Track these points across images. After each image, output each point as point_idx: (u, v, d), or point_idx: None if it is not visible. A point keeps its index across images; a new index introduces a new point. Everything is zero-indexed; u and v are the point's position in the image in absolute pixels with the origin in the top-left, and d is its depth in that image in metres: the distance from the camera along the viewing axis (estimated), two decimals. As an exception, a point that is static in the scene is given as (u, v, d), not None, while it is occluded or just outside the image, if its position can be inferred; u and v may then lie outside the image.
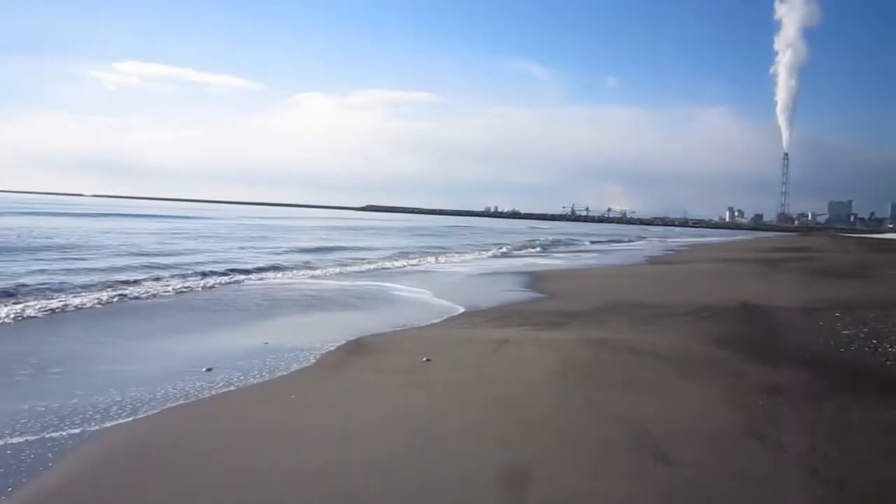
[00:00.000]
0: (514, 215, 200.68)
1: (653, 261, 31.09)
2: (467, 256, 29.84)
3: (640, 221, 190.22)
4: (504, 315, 12.05)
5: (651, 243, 55.27)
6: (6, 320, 10.15)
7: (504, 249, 35.60)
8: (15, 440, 5.17)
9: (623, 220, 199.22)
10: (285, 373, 7.47)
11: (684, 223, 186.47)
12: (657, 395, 6.66)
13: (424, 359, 7.99)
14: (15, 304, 11.40)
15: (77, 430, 5.42)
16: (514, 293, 15.75)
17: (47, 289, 13.41)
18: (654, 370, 7.69)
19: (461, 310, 12.63)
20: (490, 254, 32.15)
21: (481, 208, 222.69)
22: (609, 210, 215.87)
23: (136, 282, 15.15)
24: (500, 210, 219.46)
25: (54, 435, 5.30)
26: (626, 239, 63.30)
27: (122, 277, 15.77)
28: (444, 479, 4.59)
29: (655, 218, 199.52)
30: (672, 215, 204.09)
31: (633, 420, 5.84)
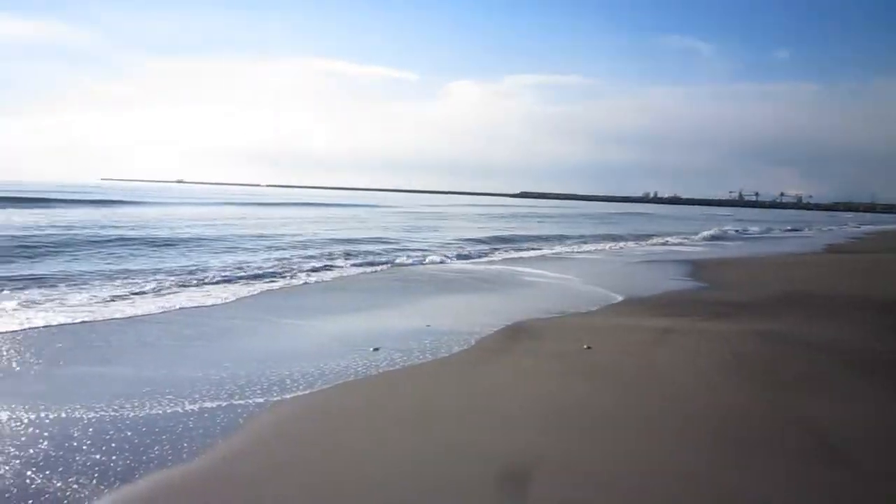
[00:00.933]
0: (675, 200, 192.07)
1: (832, 249, 28.56)
2: (649, 243, 29.31)
3: (818, 207, 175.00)
4: (666, 304, 11.67)
5: (832, 230, 50.71)
6: (228, 299, 11.30)
7: (677, 238, 34.17)
8: (210, 404, 5.78)
9: (798, 205, 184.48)
10: (446, 354, 7.76)
11: (871, 208, 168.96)
12: (834, 395, 6.20)
13: (585, 346, 7.97)
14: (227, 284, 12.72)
15: (261, 399, 5.96)
16: (678, 282, 15.19)
17: (272, 272, 14.77)
18: (830, 367, 7.15)
19: (620, 298, 12.40)
20: (675, 241, 31.13)
21: (639, 193, 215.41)
22: (782, 195, 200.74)
23: (326, 268, 16.09)
24: (659, 196, 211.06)
25: (241, 402, 5.87)
26: (804, 227, 58.44)
27: (310, 263, 16.88)
28: (618, 470, 4.59)
29: (837, 203, 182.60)
30: (857, 199, 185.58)
31: (807, 420, 5.49)
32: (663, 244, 29.39)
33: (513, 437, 5.11)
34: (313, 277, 14.41)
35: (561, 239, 29.88)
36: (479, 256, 20.91)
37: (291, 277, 14.17)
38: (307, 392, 6.25)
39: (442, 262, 18.60)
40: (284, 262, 16.82)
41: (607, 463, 4.66)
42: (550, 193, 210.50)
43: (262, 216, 40.24)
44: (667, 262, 20.14)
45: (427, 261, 18.56)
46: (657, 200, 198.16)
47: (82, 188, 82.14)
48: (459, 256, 20.39)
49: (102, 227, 25.58)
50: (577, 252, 23.79)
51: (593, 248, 25.61)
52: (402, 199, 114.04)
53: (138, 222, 29.35)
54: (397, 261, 18.13)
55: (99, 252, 17.79)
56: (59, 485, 4.13)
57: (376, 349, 7.79)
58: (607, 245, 27.43)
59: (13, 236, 20.02)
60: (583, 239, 30.73)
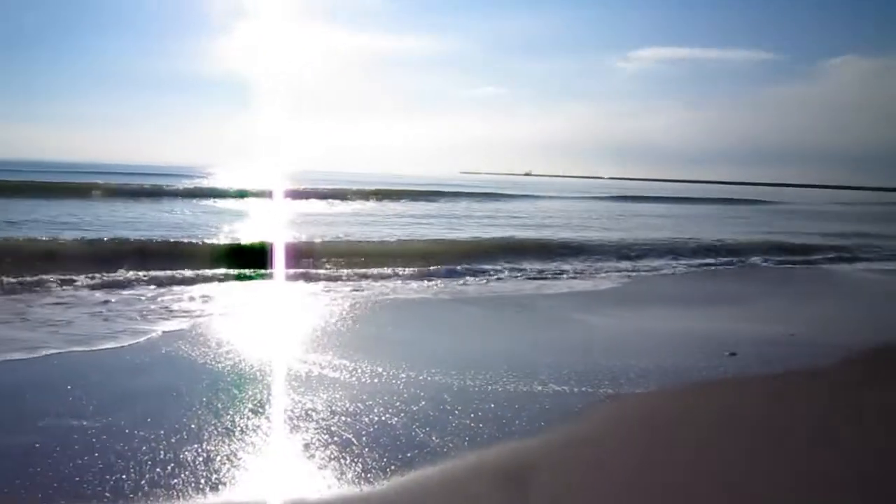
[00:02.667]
0: None
1: None
2: None
3: None
4: None
5: None
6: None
7: None
8: (558, 387, 6.06)
9: None
10: (809, 368, 6.99)
11: None
12: None
13: None
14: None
15: (611, 391, 6.07)
16: None
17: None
18: None
19: None
20: None
21: None
22: None
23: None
24: None
25: (588, 389, 6.04)
26: None
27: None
28: None
29: None
30: None
31: None
32: None
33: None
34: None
35: None
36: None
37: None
38: (651, 390, 6.19)
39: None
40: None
41: None
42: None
43: (640, 211, 39.48)
44: None
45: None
46: None
47: (461, 182, 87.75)
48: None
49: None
50: None
51: None
52: (795, 195, 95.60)
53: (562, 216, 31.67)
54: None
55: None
56: (436, 441, 4.76)
57: (733, 354, 7.35)
58: None
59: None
60: None
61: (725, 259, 16.98)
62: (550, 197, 51.04)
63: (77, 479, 4.05)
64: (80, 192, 28.71)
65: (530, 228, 23.87)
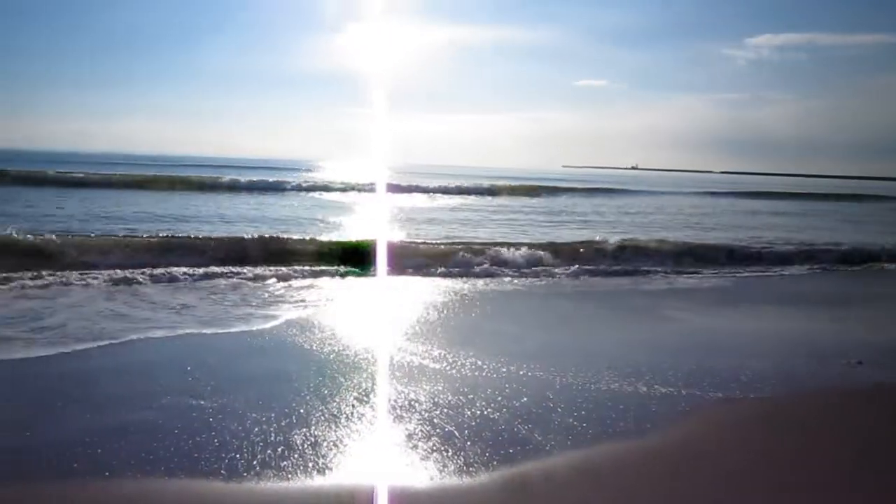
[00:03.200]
0: None
1: None
2: None
3: None
4: None
5: None
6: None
7: None
8: (664, 389, 5.83)
9: None
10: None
11: None
12: None
13: None
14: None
15: (720, 394, 5.78)
16: None
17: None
18: None
19: None
20: None
21: None
22: None
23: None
24: None
25: (696, 392, 5.77)
26: None
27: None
28: None
29: None
30: None
31: None
32: None
33: None
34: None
35: None
36: None
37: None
38: (768, 395, 5.85)
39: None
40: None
41: None
42: None
43: (760, 209, 35.79)
44: None
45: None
46: None
47: (565, 176, 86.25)
48: None
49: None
50: None
51: None
52: None
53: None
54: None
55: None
56: (539, 438, 4.69)
57: (859, 363, 6.82)
58: None
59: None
60: None
61: (854, 261, 15.82)
62: (666, 193, 46.98)
63: (195, 455, 4.27)
64: (202, 186, 30.32)
65: (675, 228, 21.73)
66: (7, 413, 4.93)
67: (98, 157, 67.29)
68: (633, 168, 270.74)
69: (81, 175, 30.54)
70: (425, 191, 35.74)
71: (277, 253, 12.80)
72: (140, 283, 9.67)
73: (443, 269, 12.03)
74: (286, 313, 8.31)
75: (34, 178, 28.70)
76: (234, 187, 31.09)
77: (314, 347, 6.85)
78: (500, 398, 5.44)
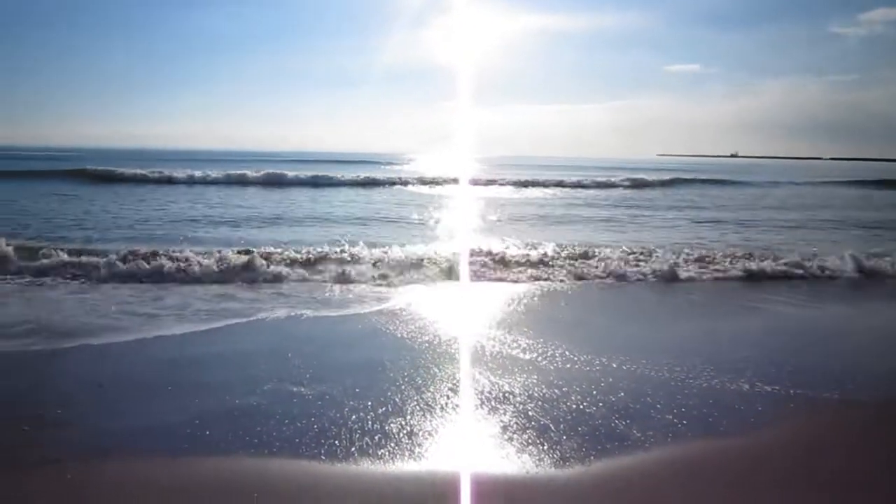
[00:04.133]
0: None
1: None
2: None
3: None
4: None
5: None
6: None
7: None
8: (769, 387, 5.53)
9: None
10: None
11: None
12: None
13: None
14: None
15: (835, 395, 5.44)
16: None
17: None
18: None
19: None
20: None
21: None
22: None
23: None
24: None
25: (809, 392, 5.46)
26: None
27: None
28: None
29: None
30: None
31: None
32: None
33: None
34: None
35: None
36: None
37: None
38: (883, 400, 5.46)
39: None
40: None
41: None
42: None
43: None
44: None
45: None
46: None
47: (661, 165, 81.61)
48: None
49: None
50: None
51: None
52: None
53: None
54: None
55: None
56: (637, 434, 4.56)
57: None
58: None
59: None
60: None
61: None
62: (773, 183, 41.33)
63: (296, 440, 4.41)
64: (307, 183, 30.93)
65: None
66: (122, 392, 5.26)
67: (204, 155, 70.47)
68: (732, 156, 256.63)
69: (212, 175, 31.46)
70: (542, 185, 34.41)
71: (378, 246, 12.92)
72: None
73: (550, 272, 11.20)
74: (380, 304, 8.46)
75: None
76: (343, 184, 31.67)
77: (408, 337, 6.94)
78: (595, 392, 5.33)
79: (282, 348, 6.48)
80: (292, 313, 7.86)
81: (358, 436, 4.48)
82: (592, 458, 4.22)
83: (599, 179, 37.33)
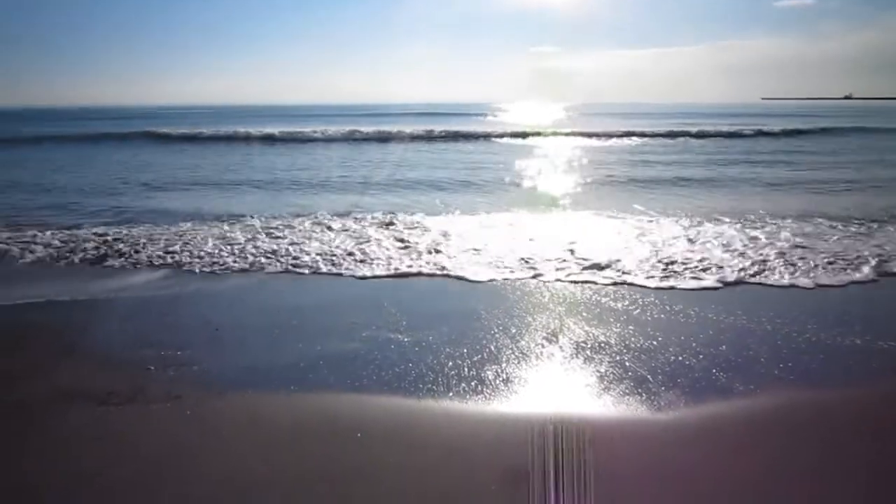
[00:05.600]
0: None
1: None
2: None
3: None
4: None
5: None
6: None
7: None
8: (885, 344, 5.24)
9: None
10: None
11: None
12: None
13: None
14: None
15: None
16: None
17: None
18: None
19: None
20: None
21: None
22: None
23: None
24: None
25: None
26: None
27: None
28: None
29: None
30: None
31: None
32: None
33: None
34: None
35: None
36: None
37: None
38: None
39: None
40: None
41: None
42: None
43: None
44: None
45: None
46: None
47: (767, 109, 76.44)
48: None
49: None
50: None
51: None
52: None
53: None
54: None
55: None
56: (741, 388, 4.45)
57: None
58: None
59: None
60: None
61: None
62: None
63: (395, 384, 4.56)
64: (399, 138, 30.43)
65: None
66: (235, 335, 5.58)
67: (314, 109, 71.11)
68: (846, 98, 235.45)
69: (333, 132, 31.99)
70: (661, 135, 31.14)
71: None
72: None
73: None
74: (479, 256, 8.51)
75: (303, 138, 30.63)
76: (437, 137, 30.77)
77: (499, 288, 6.98)
78: (695, 345, 5.21)
79: (377, 299, 6.68)
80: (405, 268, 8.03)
81: (455, 381, 4.58)
82: (692, 406, 4.16)
83: (722, 128, 33.78)
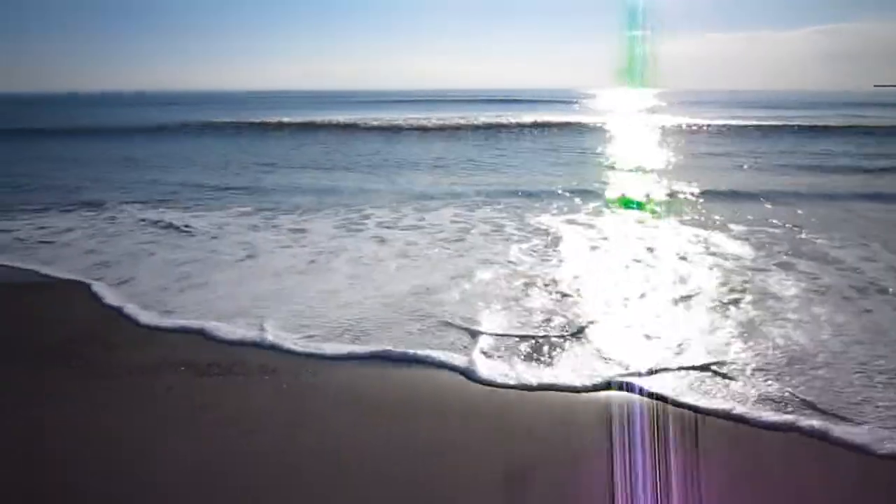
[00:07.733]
0: None
1: None
2: None
3: None
4: None
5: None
6: None
7: None
8: None
9: None
10: None
11: None
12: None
13: None
14: None
15: None
16: None
17: None
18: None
19: None
20: None
21: None
22: None
23: None
24: None
25: None
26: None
27: None
28: None
29: None
30: None
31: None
32: None
33: None
34: None
35: None
36: None
37: None
38: None
39: None
40: None
41: None
42: None
43: None
44: None
45: None
46: None
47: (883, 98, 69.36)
48: None
49: None
50: None
51: None
52: None
53: None
54: None
55: None
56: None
57: None
58: None
59: None
60: None
61: None
62: None
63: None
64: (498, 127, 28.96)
65: None
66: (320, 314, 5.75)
67: (387, 95, 70.98)
68: None
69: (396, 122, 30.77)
70: (777, 129, 26.19)
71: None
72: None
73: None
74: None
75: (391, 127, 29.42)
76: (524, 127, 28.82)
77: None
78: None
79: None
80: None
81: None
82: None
83: (854, 121, 28.39)
